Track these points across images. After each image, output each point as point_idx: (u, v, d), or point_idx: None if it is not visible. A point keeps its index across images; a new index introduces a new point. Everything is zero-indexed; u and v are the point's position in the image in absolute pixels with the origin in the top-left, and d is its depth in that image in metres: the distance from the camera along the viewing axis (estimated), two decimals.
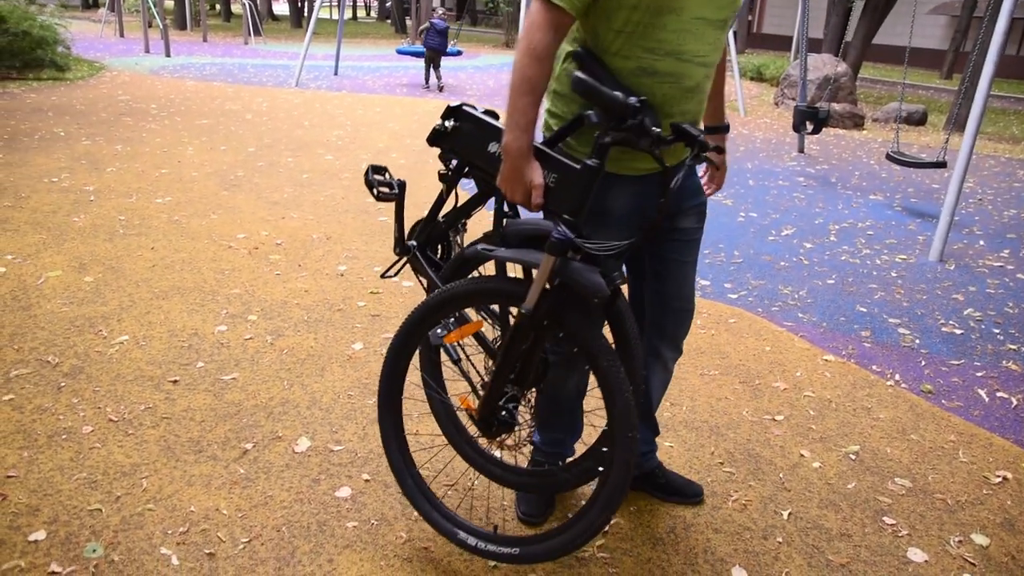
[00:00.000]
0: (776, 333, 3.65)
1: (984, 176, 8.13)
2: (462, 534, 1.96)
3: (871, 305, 4.09)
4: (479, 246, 1.84)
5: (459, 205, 2.03)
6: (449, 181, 1.99)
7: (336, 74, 13.61)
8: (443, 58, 13.01)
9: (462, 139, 1.90)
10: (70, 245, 4.18)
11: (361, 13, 52.93)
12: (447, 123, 1.90)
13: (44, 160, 6.03)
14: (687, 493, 2.32)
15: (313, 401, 2.74)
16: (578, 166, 1.67)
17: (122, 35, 20.03)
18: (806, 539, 2.21)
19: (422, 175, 6.25)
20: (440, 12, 13.19)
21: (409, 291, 3.81)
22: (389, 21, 37.09)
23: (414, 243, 2.10)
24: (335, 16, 40.13)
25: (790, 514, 2.31)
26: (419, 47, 12.98)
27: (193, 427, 2.53)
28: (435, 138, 1.95)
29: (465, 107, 1.90)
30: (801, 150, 8.67)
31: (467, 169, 1.95)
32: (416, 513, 2.16)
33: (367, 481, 2.31)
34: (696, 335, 3.55)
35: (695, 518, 2.26)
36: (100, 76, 11.61)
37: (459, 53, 13.11)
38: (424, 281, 2.10)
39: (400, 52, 13.11)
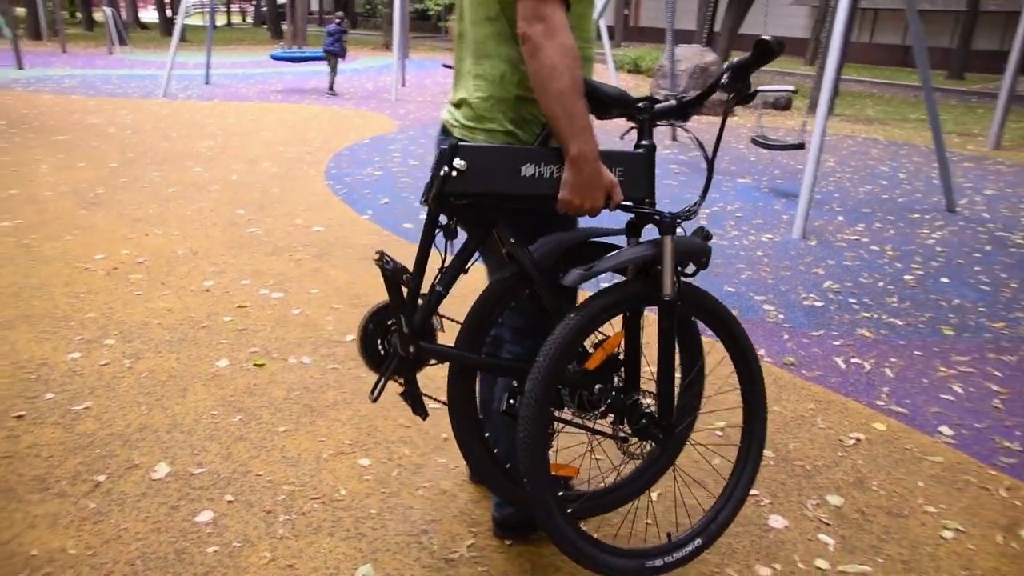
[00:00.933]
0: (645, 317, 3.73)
1: (843, 155, 8.59)
2: (648, 562, 1.82)
3: (738, 284, 4.25)
4: (576, 271, 1.64)
5: (448, 264, 1.80)
6: (449, 236, 1.74)
7: (207, 83, 13.14)
8: (323, 62, 12.84)
9: (478, 177, 1.64)
10: None
11: (236, 19, 51.34)
12: (456, 164, 1.63)
13: None
14: None
15: (174, 424, 2.61)
16: (636, 153, 1.71)
17: None
18: (672, 517, 2.26)
19: (295, 181, 6.10)
20: (337, 17, 12.94)
21: (278, 302, 3.70)
22: (265, 27, 36.11)
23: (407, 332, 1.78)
24: (203, 22, 38.79)
25: (660, 495, 2.36)
26: (295, 52, 12.72)
27: (39, 464, 2.37)
28: (442, 193, 1.65)
29: (463, 143, 1.67)
30: (674, 138, 8.93)
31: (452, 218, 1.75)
32: (279, 531, 2.10)
33: (230, 502, 2.22)
34: None
35: None
36: None
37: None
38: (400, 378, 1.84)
39: (275, 58, 12.77)
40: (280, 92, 12.36)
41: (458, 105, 1.79)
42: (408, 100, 11.55)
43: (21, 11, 25.37)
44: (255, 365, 3.05)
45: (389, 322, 1.83)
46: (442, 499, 2.28)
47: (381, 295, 3.81)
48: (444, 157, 1.64)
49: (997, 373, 3.34)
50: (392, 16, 20.90)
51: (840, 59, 5.20)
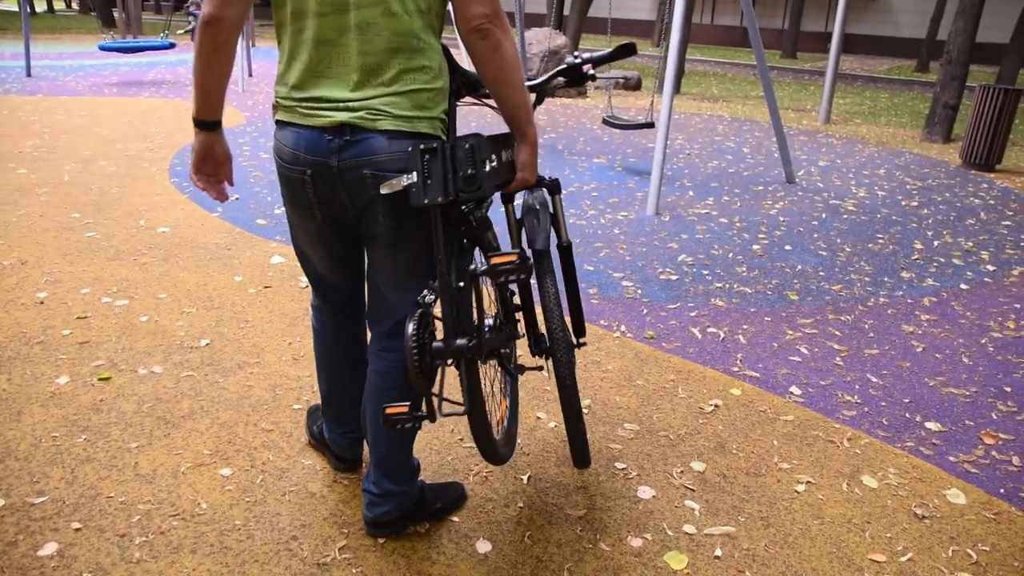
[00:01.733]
0: None
1: (691, 132, 8.96)
2: None
3: (597, 263, 4.34)
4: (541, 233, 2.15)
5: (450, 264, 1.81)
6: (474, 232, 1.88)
7: (29, 75, 12.10)
8: (159, 52, 12.16)
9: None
10: None
11: (59, 5, 47.67)
12: (494, 158, 1.73)
13: None
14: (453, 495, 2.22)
15: (7, 452, 2.40)
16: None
17: None
18: (546, 498, 2.29)
19: (136, 180, 5.73)
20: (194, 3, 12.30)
21: (123, 310, 3.46)
22: (94, 14, 33.69)
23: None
24: (40, 9, 35.77)
25: (529, 477, 2.38)
26: (126, 42, 11.91)
27: None
28: (475, 187, 1.66)
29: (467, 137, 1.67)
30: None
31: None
32: (135, 554, 1.96)
33: (78, 530, 2.06)
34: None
35: None
36: None
37: (171, 46, 12.17)
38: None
39: (103, 48, 11.89)
40: (115, 85, 11.56)
41: (371, 97, 1.69)
42: (256, 91, 11.08)
43: None
44: (100, 379, 2.84)
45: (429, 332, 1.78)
46: (311, 502, 2.21)
47: (233, 295, 3.65)
48: (476, 150, 1.65)
49: (837, 332, 3.58)
50: None
51: (683, 40, 5.40)
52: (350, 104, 1.69)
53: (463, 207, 1.82)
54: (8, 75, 12.12)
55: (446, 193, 1.65)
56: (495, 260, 1.70)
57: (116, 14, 25.42)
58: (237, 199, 5.30)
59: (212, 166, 1.89)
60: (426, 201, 1.64)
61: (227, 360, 3.02)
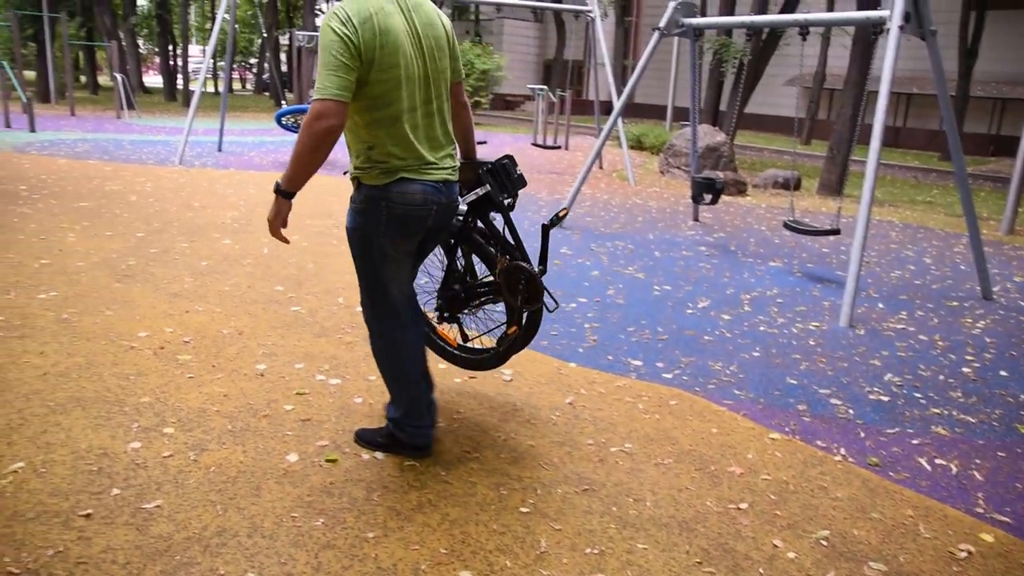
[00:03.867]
0: (718, 413, 3.62)
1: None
2: None
3: (799, 376, 4.15)
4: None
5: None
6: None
7: (220, 150, 13.17)
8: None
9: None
10: None
11: (236, 85, 52.12)
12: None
13: None
14: None
15: (254, 528, 2.46)
16: None
17: None
18: None
19: (327, 257, 6.02)
20: None
21: (338, 389, 3.56)
22: (267, 94, 36.66)
23: None
24: (210, 89, 39.31)
25: None
26: (300, 107, 12.67)
27: (117, 571, 2.21)
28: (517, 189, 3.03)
29: (492, 163, 2.98)
30: (696, 219, 8.96)
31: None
32: None
33: None
34: (641, 420, 3.47)
35: None
36: None
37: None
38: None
39: (280, 115, 12.60)
40: None
41: (448, 159, 2.75)
42: None
43: (30, 75, 25.63)
44: (327, 461, 2.90)
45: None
46: None
47: (439, 383, 3.69)
48: (514, 165, 3.00)
49: None
50: None
51: (879, 144, 5.24)
52: (440, 166, 2.69)
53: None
54: (203, 149, 13.22)
55: (508, 192, 2.97)
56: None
57: (288, 95, 27.50)
58: (426, 283, 5.44)
59: (283, 223, 2.66)
60: (501, 198, 2.93)
61: (446, 453, 3.02)
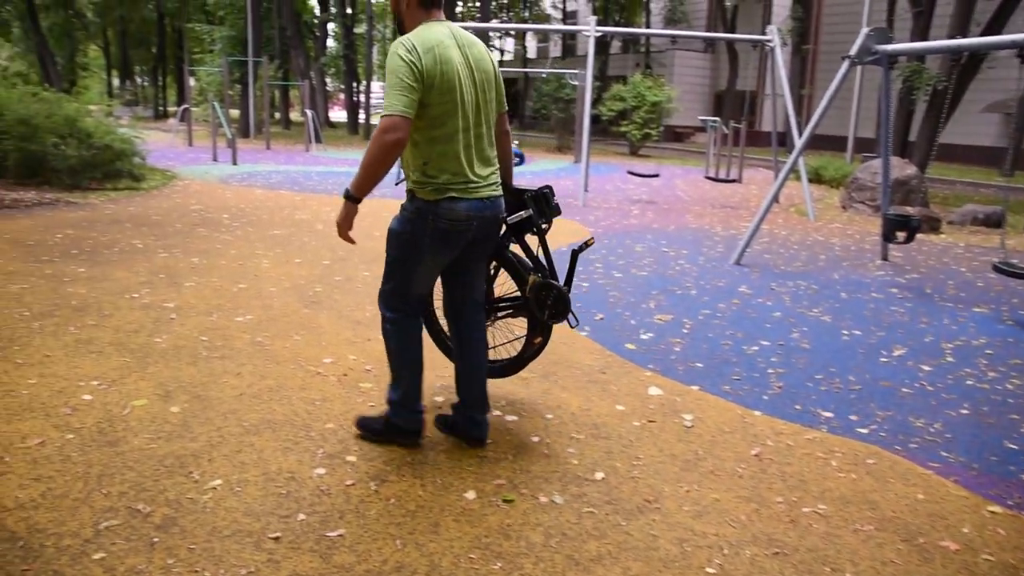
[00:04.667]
0: (924, 476, 3.27)
1: None
2: None
3: (1020, 441, 3.69)
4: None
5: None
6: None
7: (397, 184, 13.79)
8: None
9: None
10: (154, 369, 4.02)
11: None
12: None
13: (124, 274, 6.00)
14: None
15: (432, 567, 2.44)
16: None
17: (191, 144, 20.81)
18: None
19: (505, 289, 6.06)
20: None
21: (515, 427, 3.53)
22: None
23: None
24: None
25: None
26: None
27: None
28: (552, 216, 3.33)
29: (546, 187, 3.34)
30: (885, 258, 8.34)
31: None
32: None
33: None
34: (835, 479, 3.19)
35: None
36: (172, 185, 11.89)
37: (520, 160, 13.18)
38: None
39: None
40: None
41: (493, 176, 3.05)
42: (595, 206, 11.57)
43: (234, 112, 28.11)
44: (504, 501, 2.85)
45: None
46: None
47: (618, 425, 3.57)
48: (552, 195, 3.28)
49: None
50: (578, 119, 21.45)
51: None
52: (488, 183, 3.00)
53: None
54: (383, 181, 13.88)
55: (546, 218, 3.27)
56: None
57: None
58: (601, 319, 5.36)
59: (350, 226, 2.97)
60: (540, 222, 3.23)
61: (626, 501, 2.90)
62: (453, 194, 2.87)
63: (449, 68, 2.80)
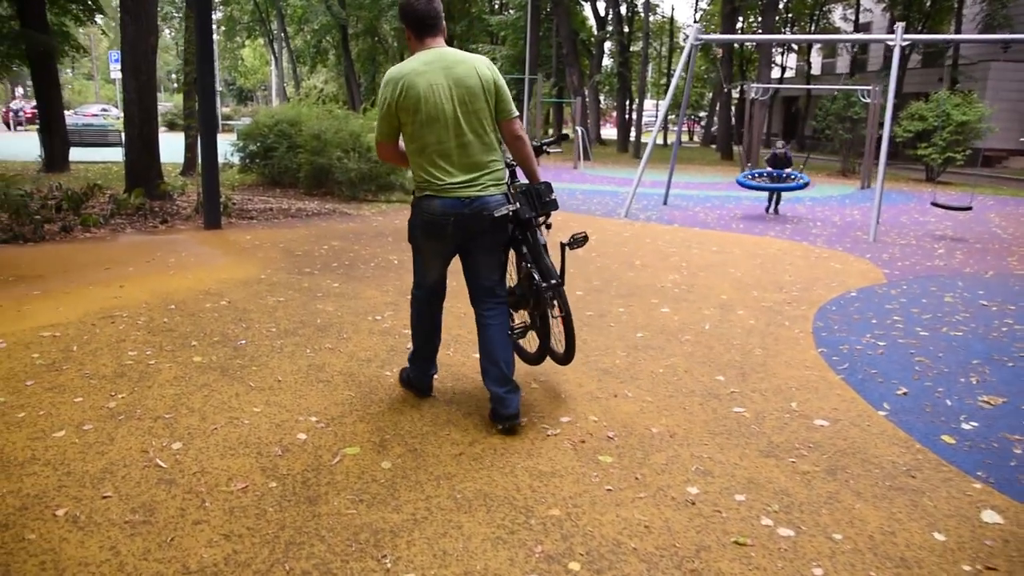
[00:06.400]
0: None
1: None
2: None
3: None
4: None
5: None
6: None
7: (665, 203, 13.01)
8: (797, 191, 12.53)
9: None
10: (376, 411, 3.64)
11: (684, 138, 53.50)
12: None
13: (374, 292, 5.86)
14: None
15: None
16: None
17: None
18: None
19: (778, 342, 5.08)
20: (779, 144, 12.59)
21: (789, 547, 2.64)
22: (714, 146, 36.71)
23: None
24: (659, 141, 40.73)
25: None
26: (764, 184, 12.10)
27: None
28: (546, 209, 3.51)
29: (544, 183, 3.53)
30: None
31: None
32: None
33: None
34: None
35: None
36: None
37: (805, 185, 11.83)
38: None
39: (740, 183, 12.11)
40: (741, 220, 11.62)
41: (480, 178, 3.35)
42: (888, 242, 9.93)
43: None
44: None
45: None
46: None
47: (942, 569, 2.54)
48: (549, 189, 3.50)
49: None
50: (869, 140, 19.26)
51: None
52: (468, 185, 3.34)
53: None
54: (649, 202, 13.21)
55: (537, 211, 3.47)
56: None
57: (736, 148, 27.00)
58: (905, 393, 4.21)
59: None
60: (527, 215, 3.43)
61: None
62: (429, 193, 3.35)
63: (414, 93, 3.22)
